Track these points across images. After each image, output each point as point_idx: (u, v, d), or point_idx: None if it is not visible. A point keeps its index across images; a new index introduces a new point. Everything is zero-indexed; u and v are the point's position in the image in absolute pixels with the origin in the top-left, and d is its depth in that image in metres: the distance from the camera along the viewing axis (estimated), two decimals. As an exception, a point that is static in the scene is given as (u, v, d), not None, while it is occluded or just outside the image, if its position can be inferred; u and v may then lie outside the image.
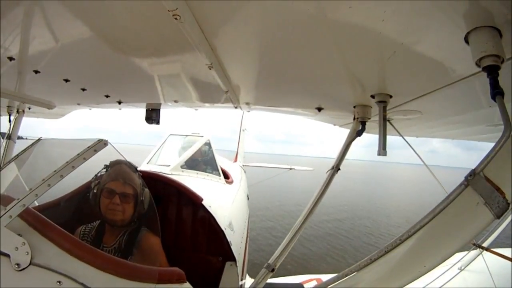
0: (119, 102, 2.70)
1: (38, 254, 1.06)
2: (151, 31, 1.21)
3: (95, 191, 1.66)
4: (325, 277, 1.43)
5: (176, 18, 0.97)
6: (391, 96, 1.68)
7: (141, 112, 3.00)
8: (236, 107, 2.55)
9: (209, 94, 2.31)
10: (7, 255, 1.03)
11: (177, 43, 1.29)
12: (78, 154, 1.26)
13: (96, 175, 1.72)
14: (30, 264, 1.04)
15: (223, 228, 2.21)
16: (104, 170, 1.72)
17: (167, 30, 1.15)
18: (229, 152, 9.38)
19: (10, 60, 1.60)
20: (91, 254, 1.16)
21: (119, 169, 1.70)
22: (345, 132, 2.25)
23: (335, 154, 2.20)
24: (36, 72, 1.79)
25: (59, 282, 1.04)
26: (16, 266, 1.02)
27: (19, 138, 3.34)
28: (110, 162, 1.74)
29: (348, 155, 2.12)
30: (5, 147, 3.19)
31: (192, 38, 1.14)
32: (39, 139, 1.99)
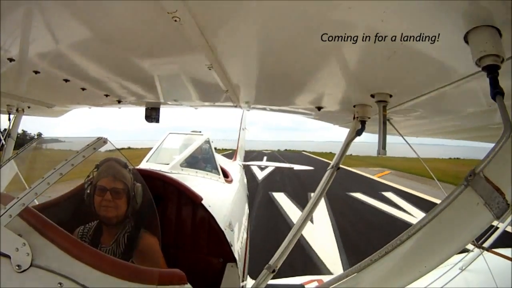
0: (119, 101, 2.71)
1: (39, 255, 1.05)
2: (151, 32, 1.21)
3: (88, 191, 1.68)
4: (326, 278, 1.43)
5: (175, 20, 0.97)
6: (391, 96, 1.68)
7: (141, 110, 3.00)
8: (236, 106, 2.55)
9: (208, 94, 2.31)
10: (8, 256, 1.02)
11: (177, 44, 1.29)
12: (78, 152, 1.26)
13: (88, 176, 1.73)
14: (31, 265, 1.03)
15: (223, 228, 2.20)
16: (96, 169, 1.73)
17: (166, 31, 1.15)
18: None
19: (10, 61, 1.59)
20: (92, 256, 1.15)
21: (108, 166, 1.71)
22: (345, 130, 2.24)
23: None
24: (36, 72, 1.79)
25: (60, 283, 1.03)
26: (17, 267, 1.01)
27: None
28: (99, 161, 1.75)
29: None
30: (4, 146, 3.18)
31: (192, 39, 1.14)
32: (38, 138, 1.99)
